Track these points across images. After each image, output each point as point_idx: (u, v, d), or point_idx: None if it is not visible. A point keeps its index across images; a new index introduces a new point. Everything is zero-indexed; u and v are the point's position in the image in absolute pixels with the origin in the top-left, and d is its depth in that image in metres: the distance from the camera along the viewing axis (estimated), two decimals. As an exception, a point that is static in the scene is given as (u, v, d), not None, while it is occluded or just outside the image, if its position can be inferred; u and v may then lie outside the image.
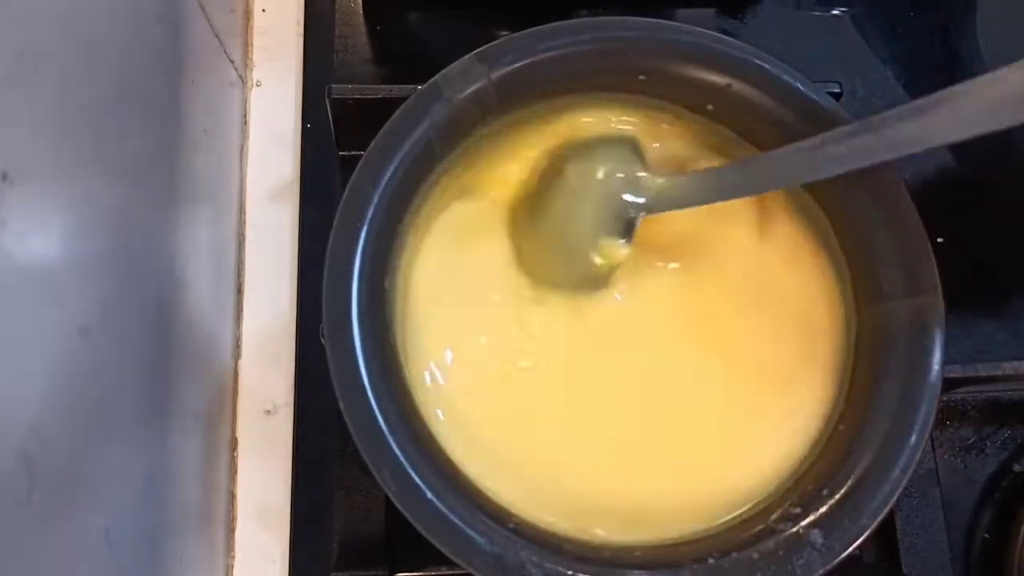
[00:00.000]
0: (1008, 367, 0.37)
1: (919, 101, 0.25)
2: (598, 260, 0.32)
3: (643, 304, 0.34)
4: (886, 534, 0.39)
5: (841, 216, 0.33)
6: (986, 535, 0.40)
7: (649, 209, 0.32)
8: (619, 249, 0.32)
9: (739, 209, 0.34)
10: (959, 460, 0.41)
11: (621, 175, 0.32)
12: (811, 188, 0.33)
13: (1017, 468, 0.41)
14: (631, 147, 0.33)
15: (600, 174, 0.32)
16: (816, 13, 0.47)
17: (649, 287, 0.34)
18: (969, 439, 0.41)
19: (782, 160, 0.30)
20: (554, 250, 0.33)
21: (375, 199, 0.30)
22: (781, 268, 0.34)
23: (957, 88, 0.24)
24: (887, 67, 0.46)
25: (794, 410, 0.32)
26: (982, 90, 0.24)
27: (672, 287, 0.34)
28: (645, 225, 0.33)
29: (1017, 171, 0.45)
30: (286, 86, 0.43)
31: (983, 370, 0.37)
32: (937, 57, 0.46)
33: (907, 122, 0.25)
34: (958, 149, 0.45)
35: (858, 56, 0.46)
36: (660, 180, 0.32)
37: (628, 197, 0.32)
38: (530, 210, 0.34)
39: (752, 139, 0.34)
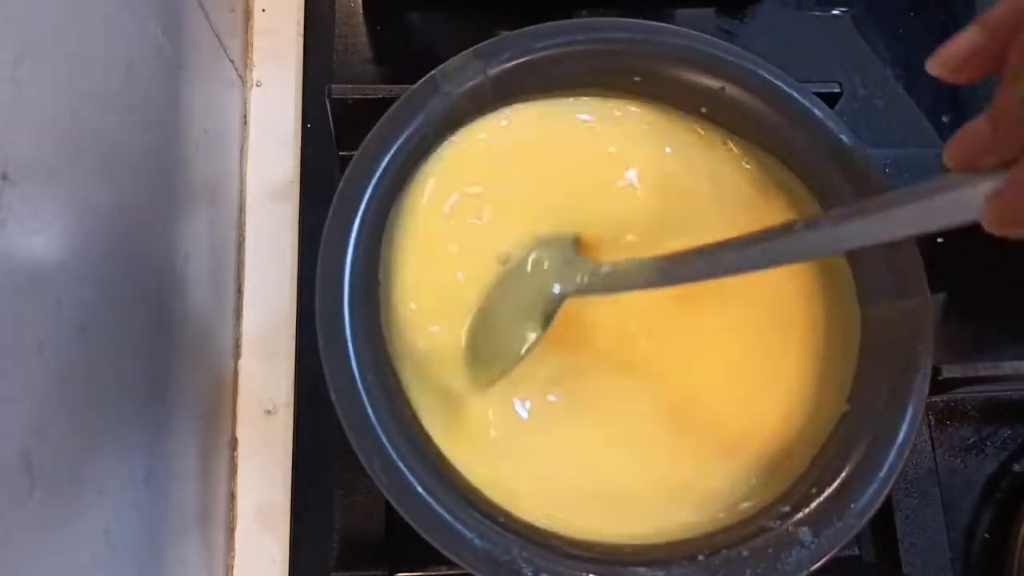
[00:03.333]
0: (1008, 367, 0.37)
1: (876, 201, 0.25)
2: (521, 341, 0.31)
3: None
4: (886, 534, 0.39)
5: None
6: (986, 535, 0.40)
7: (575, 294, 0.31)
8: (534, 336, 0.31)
9: None
10: (959, 460, 0.41)
11: (547, 266, 0.32)
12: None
13: (1017, 468, 0.41)
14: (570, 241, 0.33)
15: (529, 266, 0.32)
16: (816, 13, 0.47)
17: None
18: (969, 439, 0.41)
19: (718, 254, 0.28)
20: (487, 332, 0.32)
21: (369, 190, 0.30)
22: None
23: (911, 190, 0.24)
24: (887, 67, 0.46)
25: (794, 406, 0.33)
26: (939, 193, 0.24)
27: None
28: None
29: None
30: (286, 86, 0.43)
31: (983, 370, 0.36)
32: (937, 57, 0.46)
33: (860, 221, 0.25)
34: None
35: (858, 56, 0.46)
36: (597, 267, 0.31)
37: (555, 286, 0.31)
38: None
39: (746, 141, 0.34)
